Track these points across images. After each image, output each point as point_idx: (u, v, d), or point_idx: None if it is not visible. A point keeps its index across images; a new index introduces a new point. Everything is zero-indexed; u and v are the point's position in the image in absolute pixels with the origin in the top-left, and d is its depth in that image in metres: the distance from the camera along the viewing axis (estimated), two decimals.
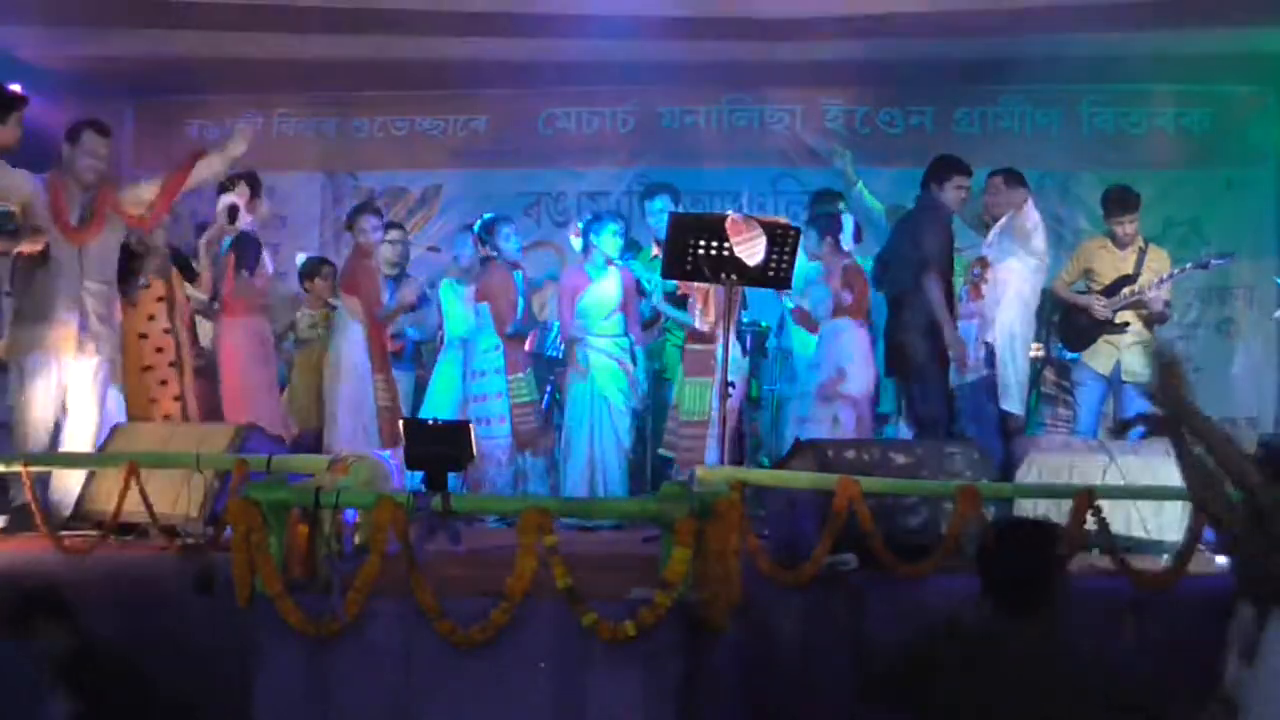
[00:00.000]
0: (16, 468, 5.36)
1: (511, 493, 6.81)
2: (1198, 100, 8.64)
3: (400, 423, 6.62)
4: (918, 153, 7.34)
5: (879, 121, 8.90)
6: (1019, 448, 5.64)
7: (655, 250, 7.11)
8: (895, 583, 4.49)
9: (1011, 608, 3.10)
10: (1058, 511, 4.57)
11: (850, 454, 5.11)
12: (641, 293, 7.07)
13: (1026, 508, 4.81)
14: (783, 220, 6.41)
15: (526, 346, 7.22)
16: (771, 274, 5.79)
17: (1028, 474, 5.32)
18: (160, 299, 6.58)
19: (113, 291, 6.10)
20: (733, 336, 6.15)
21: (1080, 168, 8.54)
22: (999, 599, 3.12)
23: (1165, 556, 4.74)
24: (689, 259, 5.71)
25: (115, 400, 6.12)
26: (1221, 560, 4.09)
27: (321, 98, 9.14)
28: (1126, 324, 6.70)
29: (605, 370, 6.85)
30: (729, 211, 5.89)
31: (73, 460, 5.71)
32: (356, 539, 4.67)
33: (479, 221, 7.24)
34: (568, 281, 7.02)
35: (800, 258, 6.08)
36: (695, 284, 6.54)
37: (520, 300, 7.05)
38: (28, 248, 5.79)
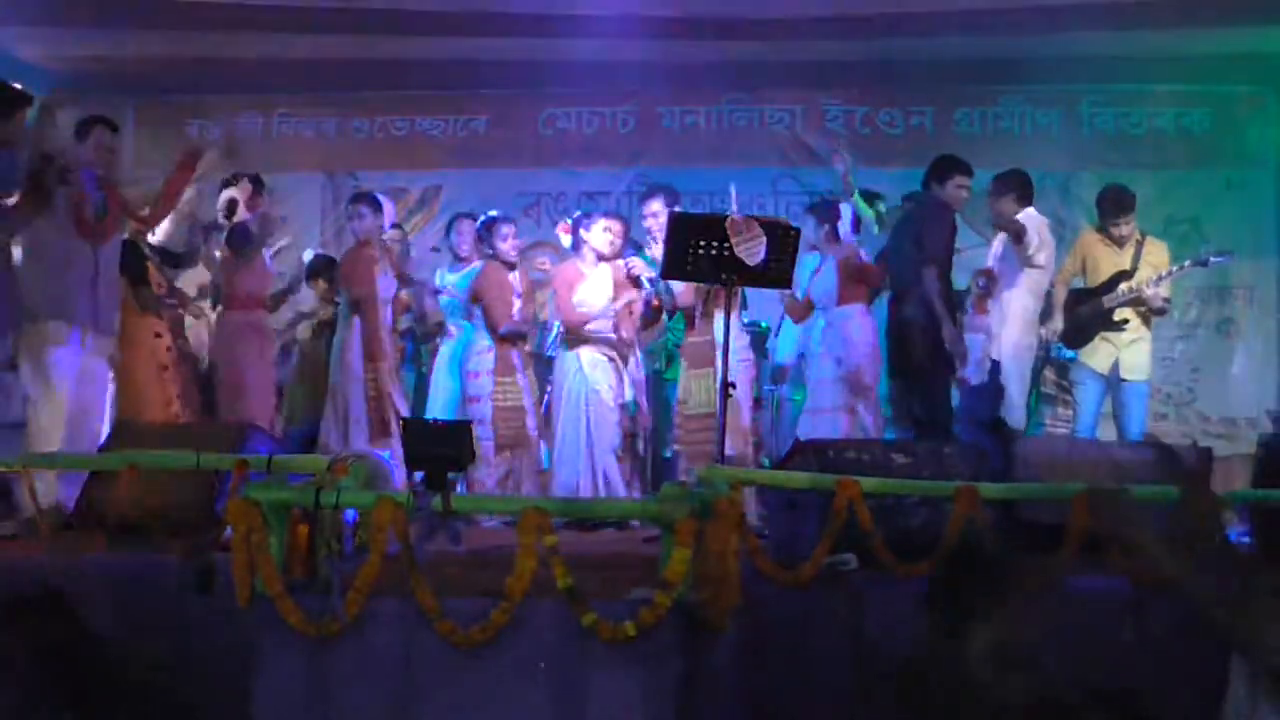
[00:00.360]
0: (17, 468, 5.35)
1: (499, 493, 6.80)
2: (1198, 100, 8.65)
3: (399, 419, 6.66)
4: (918, 153, 7.36)
5: (879, 122, 8.91)
6: (1019, 448, 5.63)
7: (651, 252, 7.11)
8: (895, 583, 4.49)
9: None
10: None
11: (850, 454, 5.11)
12: (638, 286, 7.04)
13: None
14: (783, 220, 6.40)
15: (526, 347, 7.21)
16: (771, 274, 5.78)
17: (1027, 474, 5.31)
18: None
19: (116, 290, 6.11)
20: (734, 335, 6.15)
21: (1080, 168, 8.54)
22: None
23: None
24: (689, 259, 5.71)
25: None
26: None
27: (321, 98, 9.15)
28: (1125, 321, 6.70)
29: (595, 367, 6.84)
30: (728, 211, 5.89)
31: (73, 461, 5.70)
32: (356, 539, 4.67)
33: (480, 219, 7.25)
34: (562, 275, 7.01)
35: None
36: (695, 284, 6.54)
37: (516, 301, 7.05)
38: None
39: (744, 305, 7.07)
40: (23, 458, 5.45)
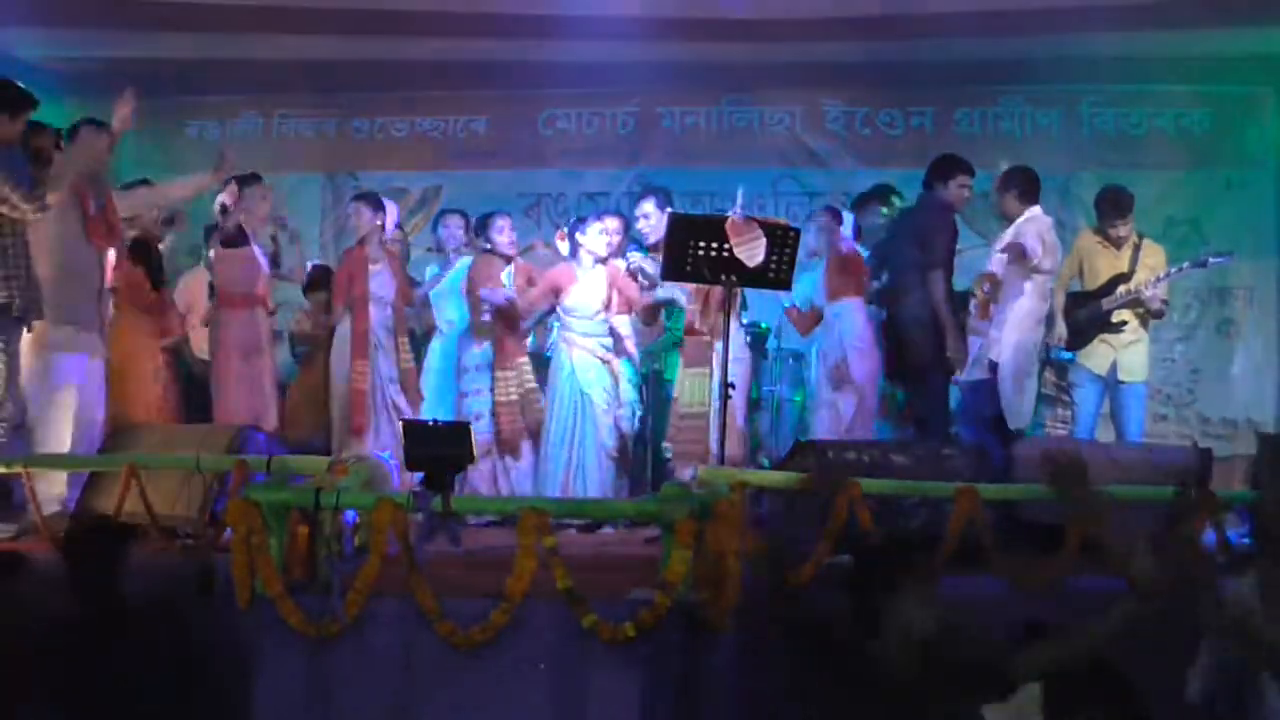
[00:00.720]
0: (18, 469, 5.36)
1: (489, 492, 6.80)
2: (1198, 101, 8.64)
3: (400, 421, 6.66)
4: (918, 153, 7.36)
5: (879, 122, 8.90)
6: (1018, 448, 5.64)
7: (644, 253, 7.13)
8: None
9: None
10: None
11: (850, 455, 5.12)
12: (637, 279, 7.03)
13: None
14: (783, 221, 6.40)
15: (523, 334, 7.18)
16: (771, 275, 5.78)
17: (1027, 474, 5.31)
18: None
19: (108, 293, 6.12)
20: (733, 336, 6.15)
21: (1080, 168, 8.53)
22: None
23: None
24: (689, 260, 5.71)
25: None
26: None
27: (322, 98, 9.14)
28: (1124, 323, 6.69)
29: (588, 369, 6.84)
30: (729, 212, 5.89)
31: (73, 461, 5.71)
32: (356, 540, 4.67)
33: (474, 221, 7.25)
34: (553, 274, 7.00)
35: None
36: (694, 285, 6.53)
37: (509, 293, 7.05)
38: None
39: (744, 306, 7.06)
40: (24, 459, 5.46)
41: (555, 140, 9.09)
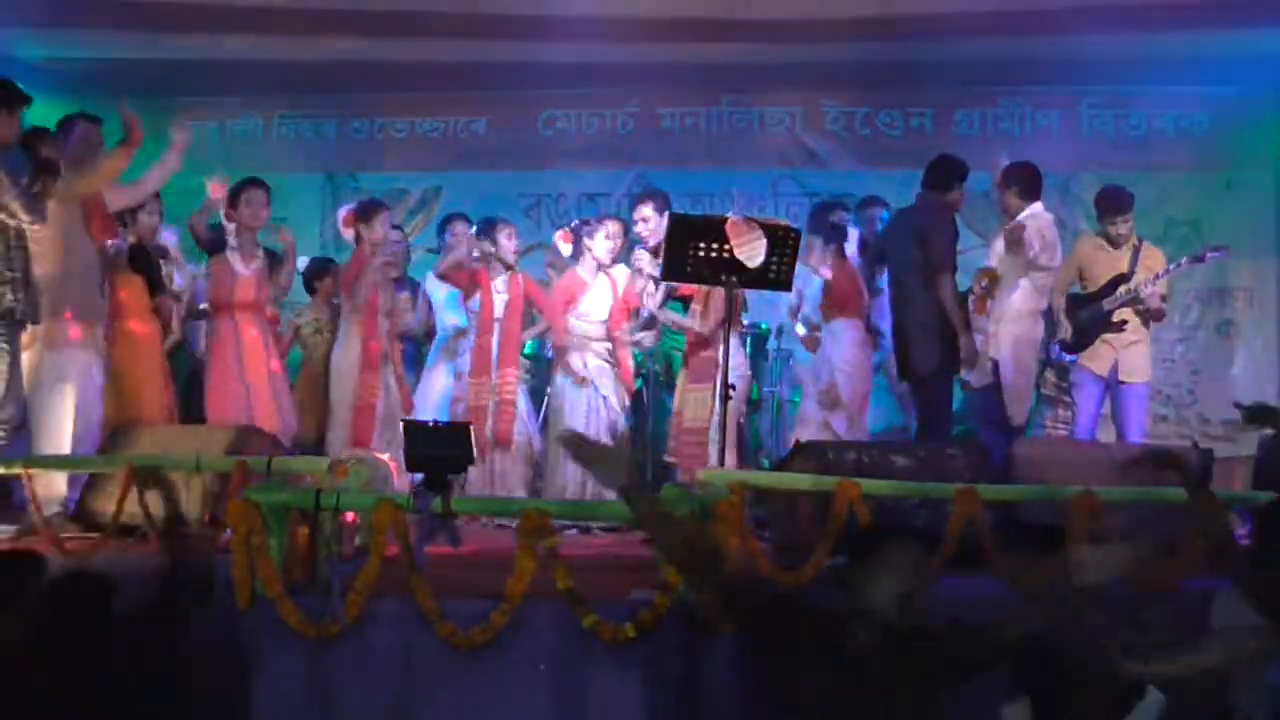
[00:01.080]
0: (18, 470, 5.35)
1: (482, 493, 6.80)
2: (1197, 102, 8.64)
3: (400, 422, 6.65)
4: (918, 154, 7.33)
5: (879, 123, 8.90)
6: (1019, 449, 5.64)
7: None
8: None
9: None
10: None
11: (851, 456, 5.12)
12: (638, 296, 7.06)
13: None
14: (784, 222, 6.40)
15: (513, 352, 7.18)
16: (772, 276, 5.78)
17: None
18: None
19: (105, 292, 6.14)
20: (734, 338, 6.16)
21: (1080, 169, 8.53)
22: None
23: None
24: (689, 261, 5.71)
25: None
26: None
27: (321, 99, 9.13)
28: (1124, 322, 6.69)
29: (600, 374, 6.86)
30: (729, 213, 5.89)
31: (73, 462, 5.71)
32: (356, 541, 4.68)
33: (477, 224, 7.25)
34: (563, 285, 7.01)
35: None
36: (695, 286, 6.53)
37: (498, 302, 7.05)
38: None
39: (744, 308, 7.06)
40: (24, 459, 5.46)
41: (555, 141, 9.08)
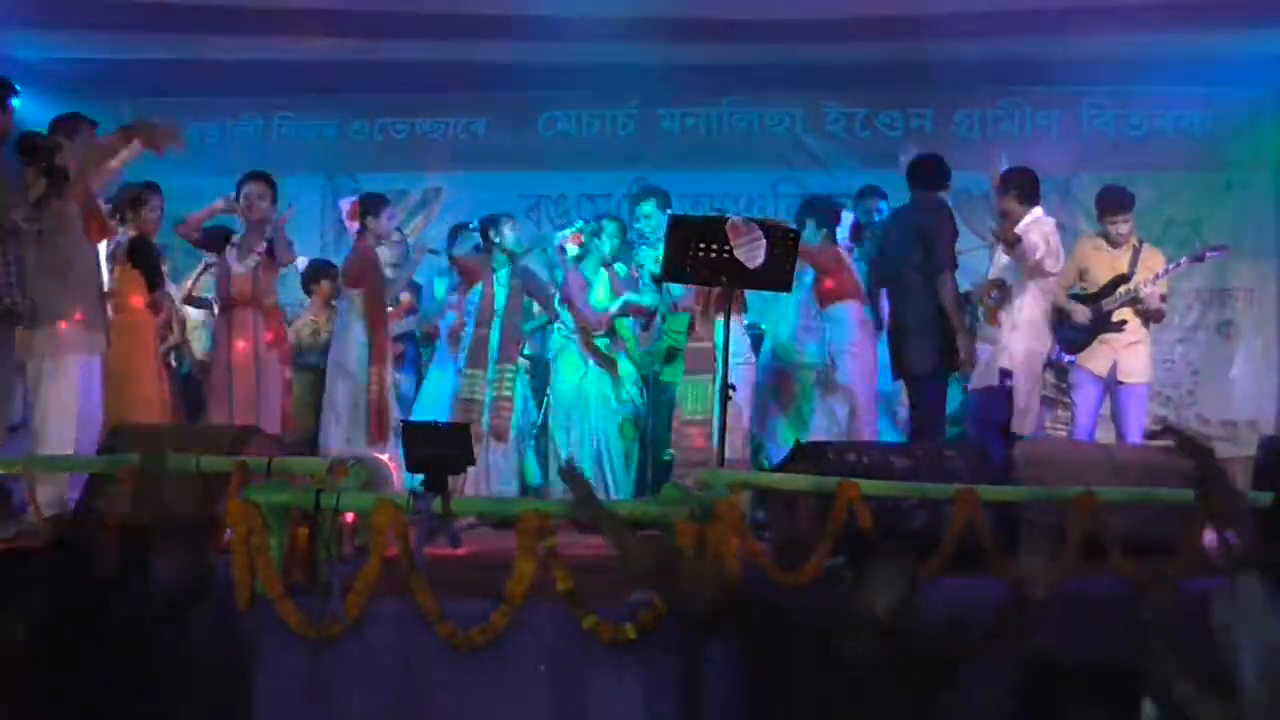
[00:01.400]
0: (18, 470, 5.35)
1: (473, 492, 6.79)
2: (1198, 102, 8.64)
3: (399, 421, 6.66)
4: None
5: (879, 124, 8.90)
6: (1017, 450, 5.64)
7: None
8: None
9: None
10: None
11: (850, 457, 5.12)
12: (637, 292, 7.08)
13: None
14: (784, 223, 6.41)
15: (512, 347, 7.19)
16: (772, 277, 5.78)
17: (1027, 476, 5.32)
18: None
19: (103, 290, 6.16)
20: (735, 338, 6.16)
21: (1080, 170, 8.53)
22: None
23: None
24: (689, 261, 5.71)
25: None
26: None
27: (321, 100, 9.14)
28: (1124, 323, 6.68)
29: (599, 371, 6.88)
30: (729, 214, 5.90)
31: (73, 462, 5.70)
32: (356, 541, 4.67)
33: (481, 218, 7.26)
34: (574, 281, 7.03)
35: None
36: (695, 286, 6.54)
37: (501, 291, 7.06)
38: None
39: (745, 308, 7.06)
40: (24, 459, 5.45)
41: (555, 142, 9.09)
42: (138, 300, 6.44)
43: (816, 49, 8.09)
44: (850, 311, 6.67)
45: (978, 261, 7.17)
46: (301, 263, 7.68)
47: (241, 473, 4.94)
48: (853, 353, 6.60)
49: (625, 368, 7.13)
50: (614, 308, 7.05)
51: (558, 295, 7.19)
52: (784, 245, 5.70)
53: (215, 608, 4.15)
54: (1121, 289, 6.66)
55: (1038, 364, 6.52)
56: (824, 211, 6.93)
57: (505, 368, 6.95)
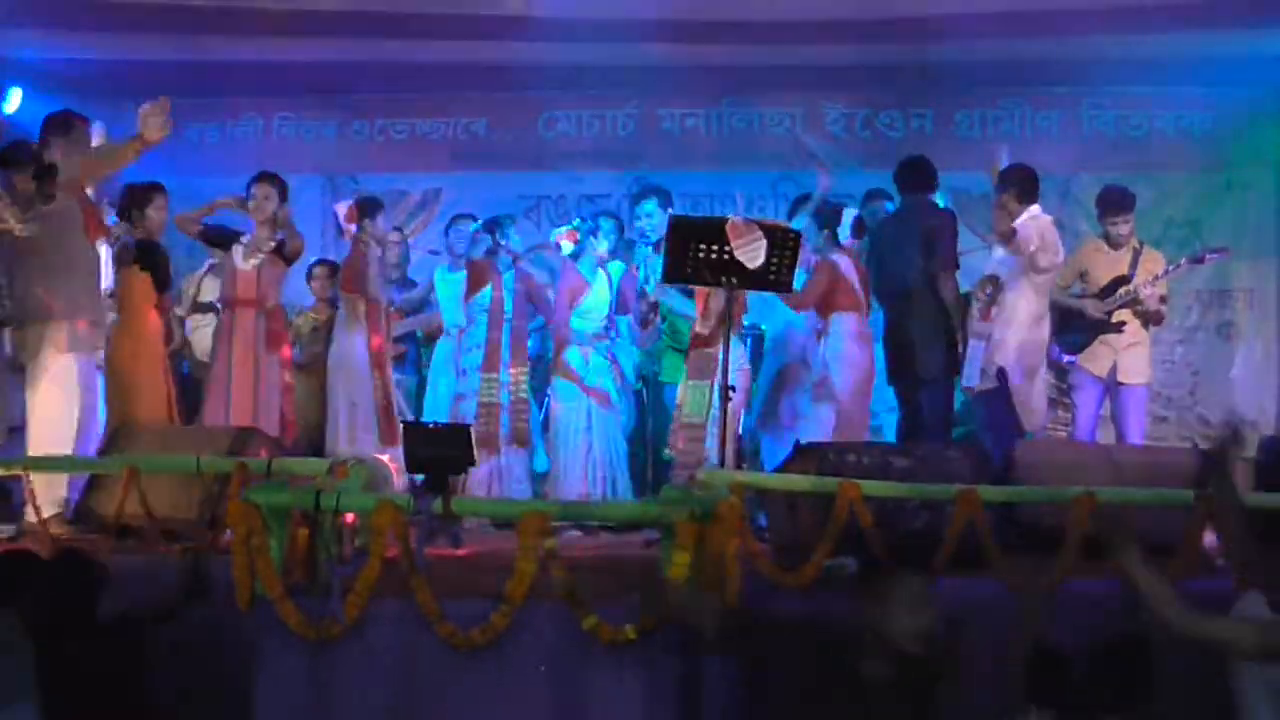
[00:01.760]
0: (18, 471, 5.35)
1: (485, 493, 6.81)
2: (1198, 102, 8.64)
3: (401, 423, 6.66)
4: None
5: (879, 124, 8.91)
6: (1018, 451, 5.63)
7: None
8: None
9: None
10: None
11: (851, 457, 5.11)
12: (640, 294, 7.08)
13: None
14: (784, 223, 6.40)
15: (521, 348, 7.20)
16: (772, 277, 5.78)
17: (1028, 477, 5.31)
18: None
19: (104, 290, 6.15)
20: (734, 339, 6.16)
21: (1080, 170, 8.53)
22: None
23: None
24: (689, 262, 5.71)
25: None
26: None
27: (321, 101, 9.14)
28: (1123, 324, 6.68)
29: (600, 372, 6.89)
30: (729, 214, 5.89)
31: (73, 463, 5.70)
32: (357, 541, 4.67)
33: (483, 220, 7.26)
34: (566, 284, 7.02)
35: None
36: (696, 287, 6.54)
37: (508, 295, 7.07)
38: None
39: (746, 309, 7.06)
40: (24, 460, 5.46)
41: (555, 142, 9.09)
42: (145, 303, 6.43)
43: (816, 50, 8.09)
44: (847, 323, 6.61)
45: (978, 262, 7.16)
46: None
47: (241, 474, 4.94)
48: (847, 364, 6.57)
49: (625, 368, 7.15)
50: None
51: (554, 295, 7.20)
52: (784, 246, 5.70)
53: (216, 609, 4.16)
54: (1121, 290, 6.66)
55: (1034, 359, 6.51)
56: (824, 212, 6.91)
57: (518, 370, 6.98)
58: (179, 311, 7.31)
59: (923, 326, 6.39)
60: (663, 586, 3.57)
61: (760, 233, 5.67)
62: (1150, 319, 6.71)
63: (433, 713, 4.12)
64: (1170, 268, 6.75)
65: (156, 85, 8.40)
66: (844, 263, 6.61)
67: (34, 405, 5.71)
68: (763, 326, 7.59)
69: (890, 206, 7.20)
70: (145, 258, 6.41)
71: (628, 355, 7.20)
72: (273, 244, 6.63)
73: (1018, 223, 6.46)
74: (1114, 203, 6.73)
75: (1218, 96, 8.58)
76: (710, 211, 7.95)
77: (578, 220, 7.36)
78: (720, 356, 6.00)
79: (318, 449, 6.77)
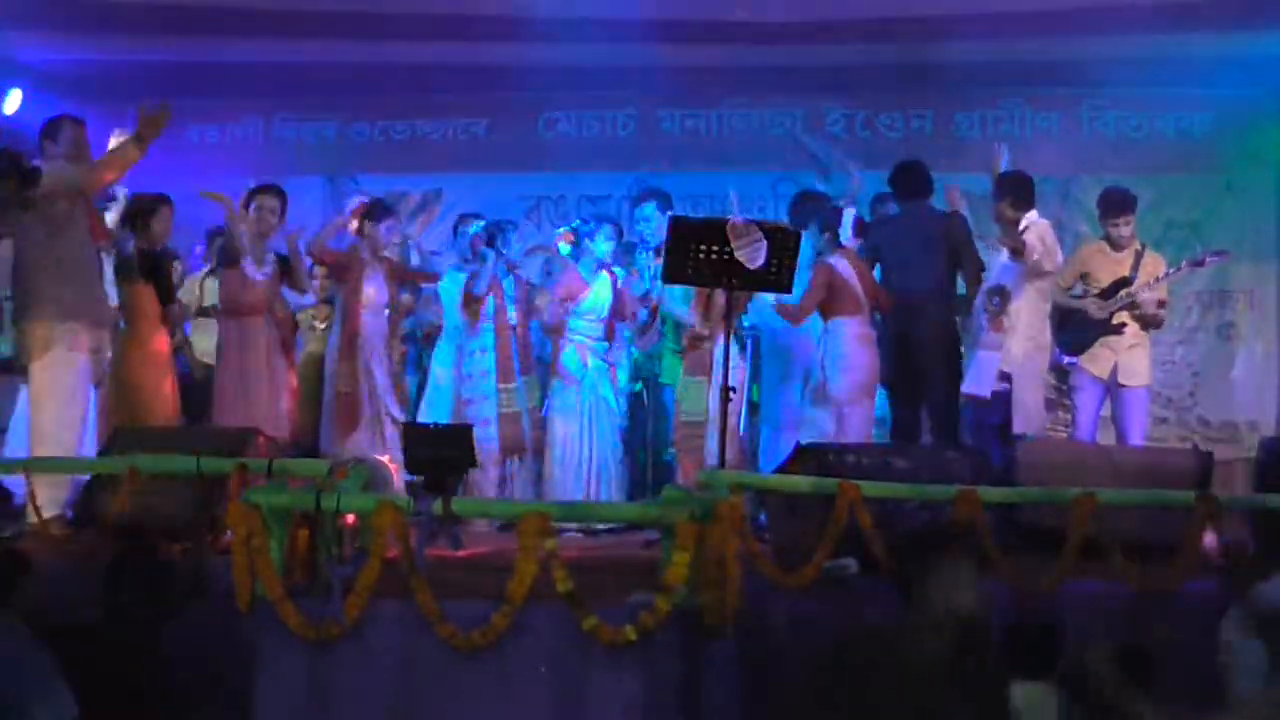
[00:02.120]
0: (19, 472, 5.35)
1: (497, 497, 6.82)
2: (1198, 103, 8.64)
3: (393, 421, 6.67)
4: (918, 156, 7.33)
5: (879, 125, 8.91)
6: (1019, 452, 5.64)
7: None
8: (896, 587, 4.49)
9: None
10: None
11: (851, 458, 5.11)
12: (643, 297, 7.09)
13: None
14: (784, 224, 6.40)
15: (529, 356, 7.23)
16: (772, 278, 5.78)
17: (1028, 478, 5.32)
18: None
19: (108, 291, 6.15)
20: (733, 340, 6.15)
21: (1080, 171, 8.53)
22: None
23: None
24: (690, 263, 5.71)
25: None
26: None
27: (322, 102, 9.14)
28: (1124, 325, 6.68)
29: (598, 373, 6.92)
30: (729, 215, 5.90)
31: (73, 463, 5.70)
32: (357, 542, 4.67)
33: (483, 222, 7.26)
34: (564, 285, 7.03)
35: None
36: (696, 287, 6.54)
37: (510, 305, 7.11)
38: None
39: (746, 309, 7.06)
40: (24, 460, 5.46)
41: (555, 143, 9.09)
42: (151, 315, 6.42)
43: (816, 51, 8.09)
44: (849, 327, 6.59)
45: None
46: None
47: (242, 475, 4.94)
48: (847, 367, 6.55)
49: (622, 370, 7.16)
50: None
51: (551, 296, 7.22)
52: (784, 246, 5.70)
53: (216, 609, 4.16)
54: (1123, 292, 6.66)
55: (1038, 364, 6.51)
56: (824, 213, 6.90)
57: (530, 378, 7.05)
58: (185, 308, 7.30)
59: (931, 335, 6.40)
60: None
61: (760, 233, 5.67)
62: (1148, 322, 6.69)
63: (433, 713, 4.12)
64: (1170, 271, 6.75)
65: (156, 85, 8.45)
66: (843, 265, 6.60)
67: (34, 404, 5.72)
68: (761, 329, 7.59)
69: (895, 210, 7.19)
70: (149, 271, 6.41)
71: (625, 358, 7.21)
72: (272, 255, 6.66)
73: (1020, 227, 6.47)
74: (1115, 204, 6.73)
75: (1218, 98, 8.57)
76: (710, 212, 7.94)
77: (577, 221, 7.37)
78: (719, 356, 6.00)
79: (313, 449, 6.76)
